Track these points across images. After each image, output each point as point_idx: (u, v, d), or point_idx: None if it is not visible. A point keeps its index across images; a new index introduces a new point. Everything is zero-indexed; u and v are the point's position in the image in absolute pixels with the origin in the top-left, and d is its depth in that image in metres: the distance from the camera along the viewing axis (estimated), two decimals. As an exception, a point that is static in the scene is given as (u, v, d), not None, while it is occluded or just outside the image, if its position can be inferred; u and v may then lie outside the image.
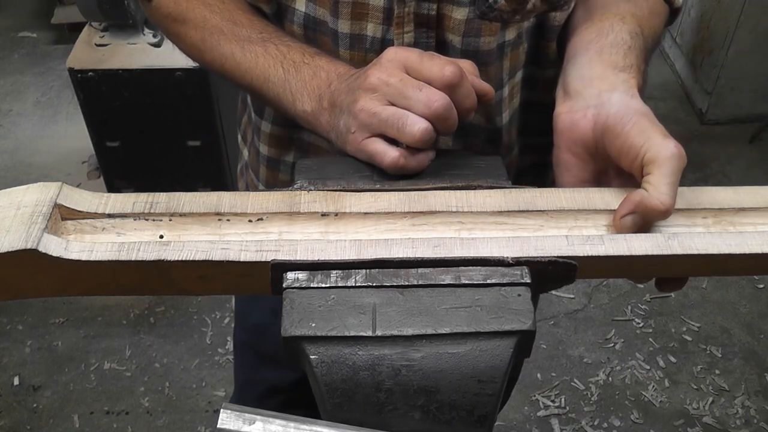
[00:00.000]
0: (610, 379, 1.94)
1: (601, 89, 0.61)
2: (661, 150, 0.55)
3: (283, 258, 0.52)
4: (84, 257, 0.51)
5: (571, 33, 0.71)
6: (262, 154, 0.85)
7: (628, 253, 0.53)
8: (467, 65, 0.62)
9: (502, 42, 0.72)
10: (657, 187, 0.54)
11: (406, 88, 0.58)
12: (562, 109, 0.63)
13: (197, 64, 0.77)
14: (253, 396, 1.15)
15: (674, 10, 0.77)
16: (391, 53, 0.60)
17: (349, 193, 0.58)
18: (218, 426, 0.46)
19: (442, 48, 0.72)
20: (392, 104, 0.59)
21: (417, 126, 0.58)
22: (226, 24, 0.71)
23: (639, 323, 2.07)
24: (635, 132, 0.57)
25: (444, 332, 0.49)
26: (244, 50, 0.69)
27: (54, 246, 0.51)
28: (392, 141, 0.60)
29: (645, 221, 0.55)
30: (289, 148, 0.83)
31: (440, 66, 0.58)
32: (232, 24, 0.71)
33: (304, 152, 0.83)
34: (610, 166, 0.61)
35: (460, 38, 0.71)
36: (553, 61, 0.77)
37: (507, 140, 0.80)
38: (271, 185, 0.87)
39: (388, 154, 0.59)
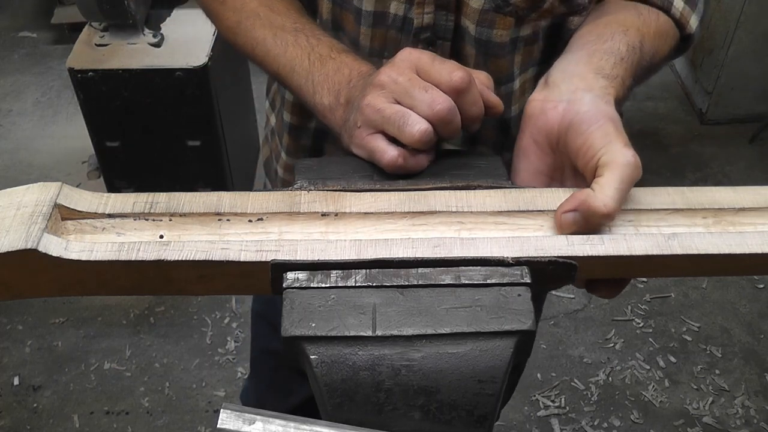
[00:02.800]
0: (610, 379, 1.94)
1: (578, 86, 0.61)
2: (617, 156, 0.55)
3: (283, 258, 0.52)
4: (84, 257, 0.51)
5: (575, 32, 0.71)
6: (285, 121, 0.87)
7: (628, 253, 0.53)
8: (482, 77, 0.62)
9: (515, 37, 0.73)
10: (604, 189, 0.54)
11: (413, 88, 0.59)
12: (536, 96, 0.64)
13: (231, 46, 0.79)
14: (267, 367, 1.16)
15: (686, 36, 0.76)
16: (405, 53, 0.61)
17: (349, 193, 0.58)
18: (218, 426, 0.46)
19: (459, 32, 0.73)
20: (398, 102, 0.59)
21: (417, 126, 0.58)
22: (263, 9, 0.73)
23: (639, 323, 2.07)
24: (599, 134, 0.57)
25: (444, 332, 0.49)
26: (275, 37, 0.71)
27: (54, 246, 0.51)
28: (395, 140, 0.60)
29: (586, 221, 0.54)
30: (310, 114, 0.84)
31: (449, 70, 0.59)
32: (268, 10, 0.73)
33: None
34: (567, 164, 0.61)
35: (474, 26, 0.72)
36: None
37: (516, 133, 0.80)
38: (293, 152, 0.89)
39: (388, 152, 0.59)
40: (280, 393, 1.14)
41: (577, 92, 0.61)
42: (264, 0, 0.74)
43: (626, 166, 0.54)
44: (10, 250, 0.50)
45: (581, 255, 0.53)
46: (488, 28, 0.72)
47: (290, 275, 0.52)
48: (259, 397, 1.22)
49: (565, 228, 0.55)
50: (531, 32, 0.74)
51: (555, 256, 0.53)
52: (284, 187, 0.91)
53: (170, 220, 0.55)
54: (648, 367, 1.96)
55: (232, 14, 0.75)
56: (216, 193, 0.57)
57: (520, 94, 0.79)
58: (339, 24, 0.76)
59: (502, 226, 0.57)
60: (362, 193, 0.58)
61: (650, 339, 2.03)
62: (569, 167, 0.61)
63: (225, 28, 0.77)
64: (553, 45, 0.77)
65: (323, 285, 0.51)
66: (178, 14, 2.06)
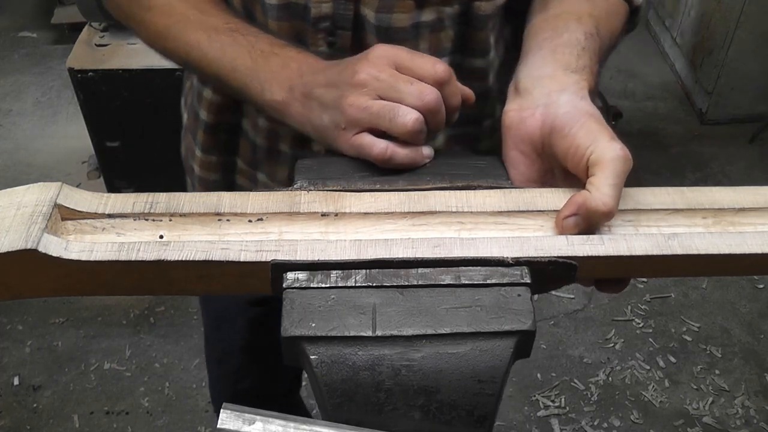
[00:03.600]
0: (610, 379, 1.94)
1: (551, 89, 0.61)
2: (606, 152, 0.54)
3: (283, 258, 0.52)
4: (84, 257, 0.51)
5: (526, 29, 0.71)
6: (201, 119, 0.86)
7: (628, 253, 0.53)
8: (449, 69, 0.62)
9: (417, 22, 0.72)
10: (600, 189, 0.53)
11: (398, 83, 0.59)
12: (511, 106, 0.63)
13: (161, 54, 0.76)
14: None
15: (634, 9, 0.76)
16: (380, 50, 0.61)
17: (349, 193, 0.58)
18: (218, 426, 0.46)
19: (359, 21, 0.72)
20: (382, 98, 0.59)
21: (409, 116, 0.58)
22: (193, 12, 0.71)
23: (639, 323, 2.07)
24: (582, 133, 0.56)
25: (444, 332, 0.49)
26: (210, 39, 0.69)
27: (54, 246, 0.51)
28: (383, 136, 0.60)
29: (588, 223, 0.54)
30: (226, 111, 0.84)
31: (431, 63, 0.59)
32: (198, 12, 0.71)
33: (239, 115, 0.83)
34: (557, 167, 0.61)
35: (374, 13, 0.71)
36: (480, 50, 0.76)
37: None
38: (208, 149, 0.88)
39: (376, 145, 0.60)
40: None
41: (552, 95, 0.60)
42: (192, 2, 0.71)
43: (616, 161, 0.54)
44: (10, 250, 0.50)
45: (581, 255, 0.53)
46: (387, 13, 0.70)
47: (290, 275, 0.52)
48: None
49: (569, 232, 0.55)
50: (435, 17, 0.72)
51: (555, 256, 0.53)
52: (201, 184, 0.91)
53: (170, 220, 0.55)
54: (648, 367, 1.96)
55: (160, 18, 0.72)
56: (216, 193, 0.57)
57: None
58: (252, 16, 0.75)
59: (502, 226, 0.57)
60: (362, 193, 0.58)
61: (650, 339, 2.03)
62: (559, 170, 0.61)
63: (153, 35, 0.74)
64: (462, 33, 0.75)
65: (323, 285, 0.51)
66: (178, 14, 2.06)
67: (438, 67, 0.59)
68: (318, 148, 0.75)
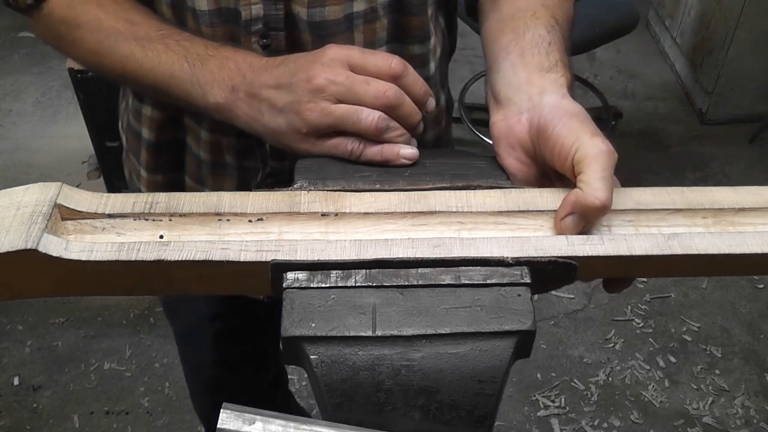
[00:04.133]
0: (610, 379, 1.94)
1: (531, 93, 0.61)
2: (589, 148, 0.55)
3: (283, 258, 0.52)
4: (84, 257, 0.51)
5: (483, 32, 0.71)
6: (144, 138, 0.84)
7: (628, 253, 0.53)
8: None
9: (349, 13, 0.71)
10: (590, 184, 0.54)
11: (354, 85, 0.60)
12: (496, 117, 0.64)
13: (97, 72, 0.74)
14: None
15: None
16: (331, 52, 0.61)
17: (349, 193, 0.58)
18: (218, 426, 0.46)
19: (291, 20, 0.71)
20: (342, 102, 0.60)
21: (371, 117, 0.60)
22: (123, 24, 0.69)
23: (639, 323, 2.07)
24: (565, 133, 0.56)
25: (444, 332, 0.49)
26: (144, 49, 0.67)
27: (54, 246, 0.51)
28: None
29: (585, 220, 0.55)
30: (168, 128, 0.82)
31: (384, 59, 0.61)
32: (128, 24, 0.69)
33: (181, 131, 0.82)
34: (549, 169, 0.61)
35: (305, 10, 0.70)
36: (419, 37, 0.76)
37: None
38: (153, 168, 0.86)
39: (345, 145, 0.62)
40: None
41: (533, 98, 0.61)
42: (120, 15, 0.69)
43: (601, 156, 0.54)
44: (10, 250, 0.50)
45: (581, 255, 0.53)
46: (320, 8, 0.70)
47: (290, 275, 0.52)
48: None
49: (568, 232, 0.55)
50: (368, 8, 0.71)
51: (555, 256, 0.53)
52: None
53: (170, 220, 0.55)
54: (648, 367, 1.96)
55: (90, 35, 0.70)
56: (216, 193, 0.57)
57: None
58: (183, 24, 0.73)
59: (502, 226, 0.57)
60: (362, 193, 0.58)
61: (650, 339, 2.03)
62: (552, 172, 0.61)
63: (87, 53, 0.72)
64: (396, 20, 0.75)
65: (323, 285, 0.51)
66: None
67: (392, 61, 0.61)
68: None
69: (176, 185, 0.86)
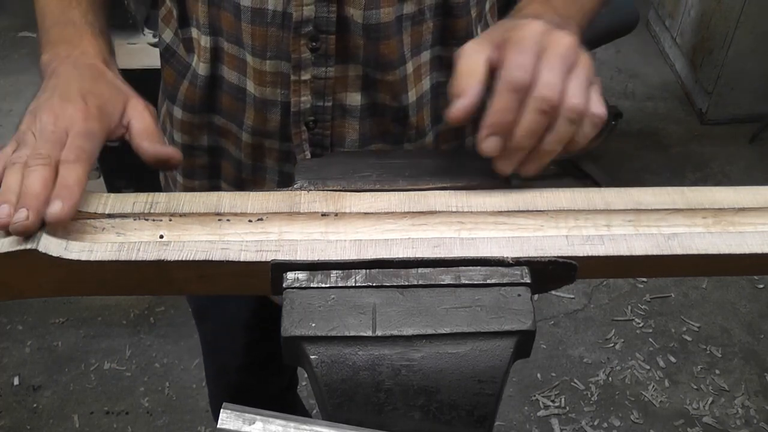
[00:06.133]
0: (610, 379, 1.94)
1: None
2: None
3: (283, 258, 0.52)
4: (84, 257, 0.51)
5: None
6: (177, 142, 0.84)
7: (628, 254, 0.53)
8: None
9: (400, 14, 0.71)
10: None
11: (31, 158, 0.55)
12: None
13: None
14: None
15: None
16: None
17: (349, 193, 0.58)
18: (218, 426, 0.46)
19: (343, 23, 0.70)
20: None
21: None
22: None
23: (639, 323, 2.07)
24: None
25: (444, 332, 0.49)
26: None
27: (54, 246, 0.51)
28: None
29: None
30: (201, 132, 0.82)
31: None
32: None
33: (216, 136, 0.82)
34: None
35: (361, 12, 0.69)
36: (461, 39, 0.76)
37: (415, 122, 0.78)
38: (189, 173, 0.86)
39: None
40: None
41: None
42: None
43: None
44: (10, 250, 0.50)
45: (581, 255, 0.53)
46: (375, 9, 0.69)
47: (290, 275, 0.52)
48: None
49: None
50: (416, 10, 0.71)
51: (555, 256, 0.53)
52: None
53: (170, 220, 0.55)
54: (648, 367, 1.96)
55: None
56: (216, 193, 0.57)
57: (415, 79, 0.76)
58: (217, 26, 0.73)
59: (502, 226, 0.57)
60: (362, 193, 0.58)
61: (650, 339, 2.03)
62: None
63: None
64: (442, 24, 0.75)
65: (323, 285, 0.51)
66: (178, 14, 2.06)
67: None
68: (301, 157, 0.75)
69: (213, 191, 0.86)
